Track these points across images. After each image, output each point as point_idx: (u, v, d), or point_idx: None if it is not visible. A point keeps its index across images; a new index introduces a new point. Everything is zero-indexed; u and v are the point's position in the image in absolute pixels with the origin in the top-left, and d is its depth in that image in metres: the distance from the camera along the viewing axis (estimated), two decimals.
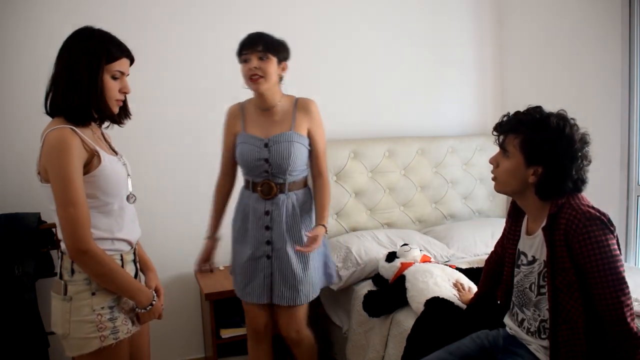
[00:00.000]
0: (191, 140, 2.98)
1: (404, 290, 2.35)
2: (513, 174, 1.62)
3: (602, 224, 1.51)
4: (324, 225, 2.15)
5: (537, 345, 1.67)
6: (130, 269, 1.63)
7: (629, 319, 1.47)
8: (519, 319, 1.73)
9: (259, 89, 2.08)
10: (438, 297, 2.19)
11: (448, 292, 2.24)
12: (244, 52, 2.07)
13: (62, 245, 1.55)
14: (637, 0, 2.71)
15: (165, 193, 2.95)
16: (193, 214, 2.98)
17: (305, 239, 2.14)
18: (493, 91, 3.64)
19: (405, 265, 2.49)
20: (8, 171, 2.67)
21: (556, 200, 1.59)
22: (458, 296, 2.23)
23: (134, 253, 1.68)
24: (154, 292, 1.68)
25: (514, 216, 1.81)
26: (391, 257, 2.58)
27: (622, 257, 1.56)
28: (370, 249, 2.78)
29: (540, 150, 1.57)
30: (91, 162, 1.51)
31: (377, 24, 3.31)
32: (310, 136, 2.19)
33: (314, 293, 2.20)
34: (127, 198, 1.64)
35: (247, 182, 2.23)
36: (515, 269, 1.77)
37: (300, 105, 2.19)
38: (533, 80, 3.34)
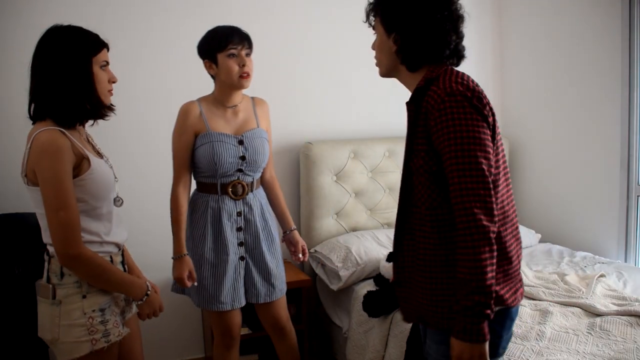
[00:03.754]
0: None
1: None
2: (381, 49, 1.49)
3: (464, 99, 1.31)
4: (296, 229, 2.33)
5: None
6: None
7: (476, 210, 1.25)
8: None
9: (247, 86, 2.10)
10: None
11: None
12: (232, 47, 2.03)
13: (50, 248, 1.53)
14: (637, 0, 2.71)
15: (166, 193, 2.94)
16: None
17: (276, 235, 2.25)
18: (493, 91, 3.63)
19: None
20: (8, 171, 2.66)
21: (428, 72, 1.42)
22: None
23: (122, 255, 1.67)
24: (147, 283, 1.65)
25: None
26: (392, 256, 2.58)
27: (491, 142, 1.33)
28: (370, 249, 2.78)
29: (390, 14, 1.43)
30: (80, 166, 1.50)
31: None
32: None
33: (284, 287, 2.28)
34: (114, 201, 1.63)
35: (210, 186, 2.13)
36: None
37: (257, 103, 2.23)
38: (533, 80, 3.33)
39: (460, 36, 1.44)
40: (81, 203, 1.50)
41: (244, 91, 2.18)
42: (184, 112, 2.13)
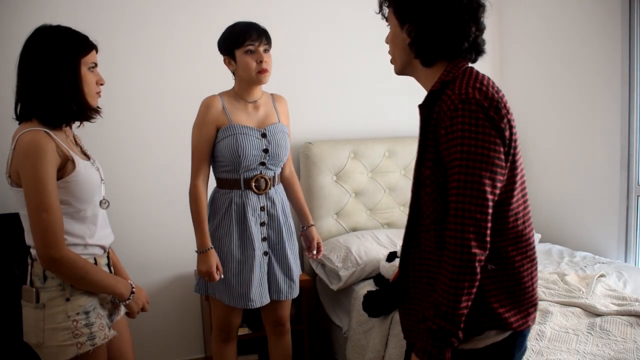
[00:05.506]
0: (183, 138, 2.96)
1: None
2: (394, 42, 1.38)
3: (479, 109, 1.20)
4: (314, 225, 2.38)
5: None
6: None
7: (468, 234, 1.19)
8: None
9: (265, 81, 2.11)
10: None
11: None
12: (250, 43, 2.05)
13: (33, 251, 1.52)
14: (637, 0, 2.71)
15: (165, 192, 2.95)
16: None
17: (294, 230, 2.25)
18: None
19: None
20: None
21: (445, 72, 1.32)
22: None
23: (108, 257, 1.66)
24: (130, 282, 1.65)
25: None
26: (392, 256, 2.58)
27: (519, 171, 1.31)
28: (370, 249, 2.78)
29: (404, 3, 1.33)
30: (65, 168, 1.48)
31: (376, 22, 3.30)
32: None
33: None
34: (100, 203, 1.61)
35: (232, 182, 2.12)
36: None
37: (277, 99, 2.26)
38: (533, 80, 3.33)
39: (480, 28, 1.31)
40: (64, 205, 1.48)
41: (263, 88, 2.21)
42: (206, 105, 2.11)
